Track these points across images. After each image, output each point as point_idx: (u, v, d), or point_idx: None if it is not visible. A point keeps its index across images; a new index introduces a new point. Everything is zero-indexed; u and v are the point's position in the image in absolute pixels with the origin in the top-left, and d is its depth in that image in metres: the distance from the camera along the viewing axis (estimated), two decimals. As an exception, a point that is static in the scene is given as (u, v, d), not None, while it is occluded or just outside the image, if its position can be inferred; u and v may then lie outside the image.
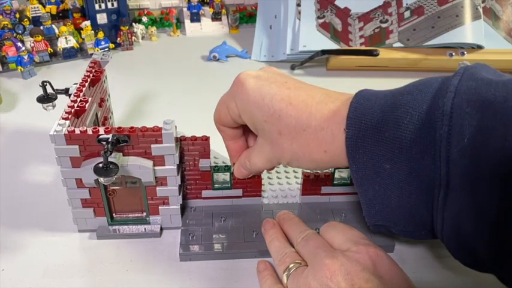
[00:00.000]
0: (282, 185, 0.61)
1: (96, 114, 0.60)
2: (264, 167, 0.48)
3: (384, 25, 0.96)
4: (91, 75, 0.59)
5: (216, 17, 1.20)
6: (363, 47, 0.96)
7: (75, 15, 1.06)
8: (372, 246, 0.39)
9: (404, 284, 0.37)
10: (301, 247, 0.44)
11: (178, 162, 0.51)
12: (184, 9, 1.20)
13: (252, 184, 0.56)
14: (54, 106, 0.59)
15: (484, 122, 0.31)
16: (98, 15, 1.04)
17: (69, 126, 0.48)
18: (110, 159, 0.46)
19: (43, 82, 0.57)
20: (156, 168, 0.50)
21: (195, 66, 1.00)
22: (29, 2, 1.04)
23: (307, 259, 0.42)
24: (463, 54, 0.92)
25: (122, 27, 1.05)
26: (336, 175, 0.56)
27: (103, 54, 0.64)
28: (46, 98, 0.58)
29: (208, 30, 1.19)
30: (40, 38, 0.96)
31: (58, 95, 0.59)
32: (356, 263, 0.37)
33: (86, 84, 0.57)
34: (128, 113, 0.82)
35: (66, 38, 0.99)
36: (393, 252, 0.53)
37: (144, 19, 1.15)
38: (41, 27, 0.98)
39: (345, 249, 0.40)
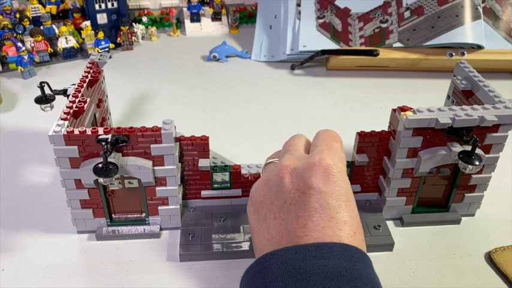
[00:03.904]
0: (282, 185, 0.61)
1: (95, 115, 0.60)
2: None
3: (383, 25, 0.96)
4: (89, 75, 0.59)
5: (216, 17, 1.20)
6: (363, 47, 0.96)
7: (75, 15, 1.06)
8: (327, 158, 0.40)
9: (346, 202, 0.39)
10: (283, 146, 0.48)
11: (177, 162, 0.51)
12: (184, 9, 1.20)
13: (251, 184, 0.56)
14: (52, 107, 0.59)
15: None
16: (98, 15, 1.04)
17: (67, 126, 0.48)
18: (109, 159, 0.46)
19: (41, 83, 0.58)
20: (155, 168, 0.50)
21: (195, 66, 1.00)
22: (29, 2, 1.04)
23: (280, 156, 0.45)
24: (463, 54, 0.92)
25: (122, 27, 1.05)
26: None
27: (101, 55, 0.64)
28: (44, 99, 0.58)
29: (208, 30, 1.19)
30: (40, 38, 0.96)
31: (56, 96, 0.59)
32: (308, 169, 0.40)
33: (84, 84, 0.57)
34: (128, 113, 0.82)
35: (66, 38, 0.99)
36: (392, 251, 0.53)
37: (144, 19, 1.15)
38: (41, 27, 0.98)
39: (311, 153, 0.43)
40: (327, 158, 0.40)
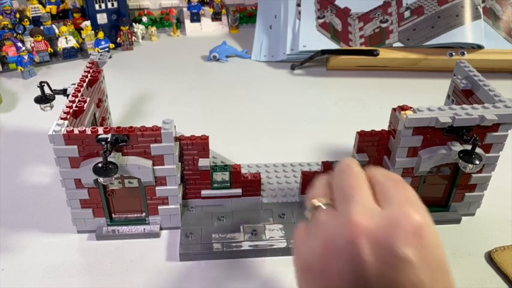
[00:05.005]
0: (281, 184, 0.61)
1: (94, 115, 0.60)
2: None
3: (383, 25, 0.96)
4: (89, 75, 0.59)
5: (216, 17, 1.20)
6: (363, 47, 0.96)
7: (75, 15, 1.06)
8: (414, 214, 0.30)
9: (444, 275, 0.30)
10: (334, 178, 0.35)
11: (177, 162, 0.51)
12: (184, 9, 1.20)
13: (251, 183, 0.56)
14: (52, 107, 0.59)
15: None
16: (98, 15, 1.04)
17: (67, 126, 0.48)
18: (109, 159, 0.46)
19: (41, 83, 0.58)
20: (155, 167, 0.50)
21: (195, 66, 1.00)
22: (29, 2, 1.04)
23: (336, 199, 0.33)
24: (463, 54, 0.92)
25: (122, 27, 1.05)
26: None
27: (101, 55, 0.64)
28: (44, 99, 0.58)
29: (208, 30, 1.19)
30: (40, 38, 0.96)
31: (56, 96, 0.59)
32: (393, 233, 0.29)
33: (84, 84, 0.57)
34: (128, 113, 0.82)
35: (66, 38, 0.99)
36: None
37: (144, 19, 1.15)
38: (41, 27, 0.98)
39: (385, 206, 0.31)
40: (414, 213, 0.30)
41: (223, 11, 1.20)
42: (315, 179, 0.37)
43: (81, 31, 1.01)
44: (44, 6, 1.06)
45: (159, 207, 0.54)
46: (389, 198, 0.32)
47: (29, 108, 0.81)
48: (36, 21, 1.02)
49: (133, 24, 1.12)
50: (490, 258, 0.52)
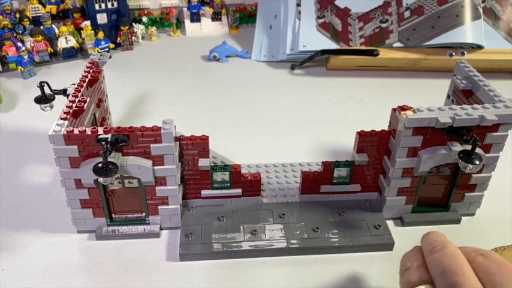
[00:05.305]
0: (281, 184, 0.61)
1: (94, 115, 0.60)
2: None
3: (383, 25, 0.96)
4: (89, 75, 0.60)
5: (216, 17, 1.20)
6: (363, 47, 0.96)
7: (75, 15, 1.06)
8: None
9: None
10: (428, 258, 0.36)
11: (177, 162, 0.51)
12: (184, 9, 1.20)
13: (251, 184, 0.56)
14: (52, 107, 0.59)
15: None
16: (98, 15, 1.04)
17: (67, 126, 0.48)
18: (109, 159, 0.46)
19: (41, 83, 0.58)
20: (155, 168, 0.50)
21: (195, 66, 1.00)
22: (29, 2, 1.04)
23: (439, 286, 0.33)
24: (463, 54, 0.92)
25: (122, 27, 1.05)
26: (335, 174, 0.56)
27: (101, 55, 0.64)
28: (44, 99, 0.58)
29: (208, 30, 1.19)
30: (40, 38, 0.96)
31: (56, 96, 0.59)
32: None
33: (84, 84, 0.57)
34: (128, 113, 0.82)
35: (66, 38, 0.99)
36: (392, 251, 0.53)
37: (144, 19, 1.15)
38: (41, 27, 0.98)
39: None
40: None
41: (223, 11, 1.20)
42: (403, 257, 0.38)
43: (81, 31, 1.01)
44: (44, 6, 1.06)
45: (159, 207, 0.54)
46: (498, 285, 0.32)
47: (29, 108, 0.81)
48: (36, 21, 1.02)
49: (133, 24, 1.12)
50: (490, 258, 0.52)
